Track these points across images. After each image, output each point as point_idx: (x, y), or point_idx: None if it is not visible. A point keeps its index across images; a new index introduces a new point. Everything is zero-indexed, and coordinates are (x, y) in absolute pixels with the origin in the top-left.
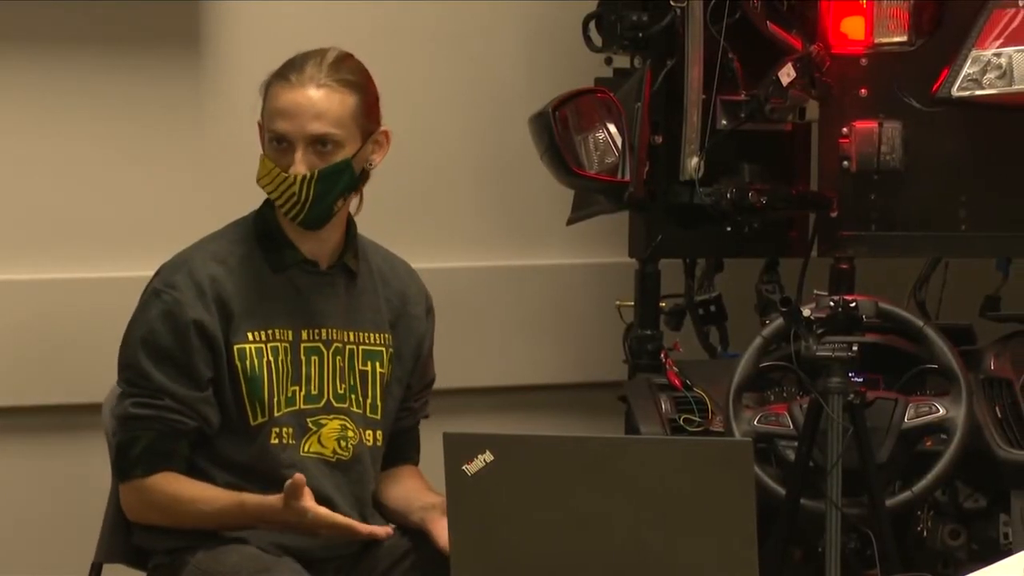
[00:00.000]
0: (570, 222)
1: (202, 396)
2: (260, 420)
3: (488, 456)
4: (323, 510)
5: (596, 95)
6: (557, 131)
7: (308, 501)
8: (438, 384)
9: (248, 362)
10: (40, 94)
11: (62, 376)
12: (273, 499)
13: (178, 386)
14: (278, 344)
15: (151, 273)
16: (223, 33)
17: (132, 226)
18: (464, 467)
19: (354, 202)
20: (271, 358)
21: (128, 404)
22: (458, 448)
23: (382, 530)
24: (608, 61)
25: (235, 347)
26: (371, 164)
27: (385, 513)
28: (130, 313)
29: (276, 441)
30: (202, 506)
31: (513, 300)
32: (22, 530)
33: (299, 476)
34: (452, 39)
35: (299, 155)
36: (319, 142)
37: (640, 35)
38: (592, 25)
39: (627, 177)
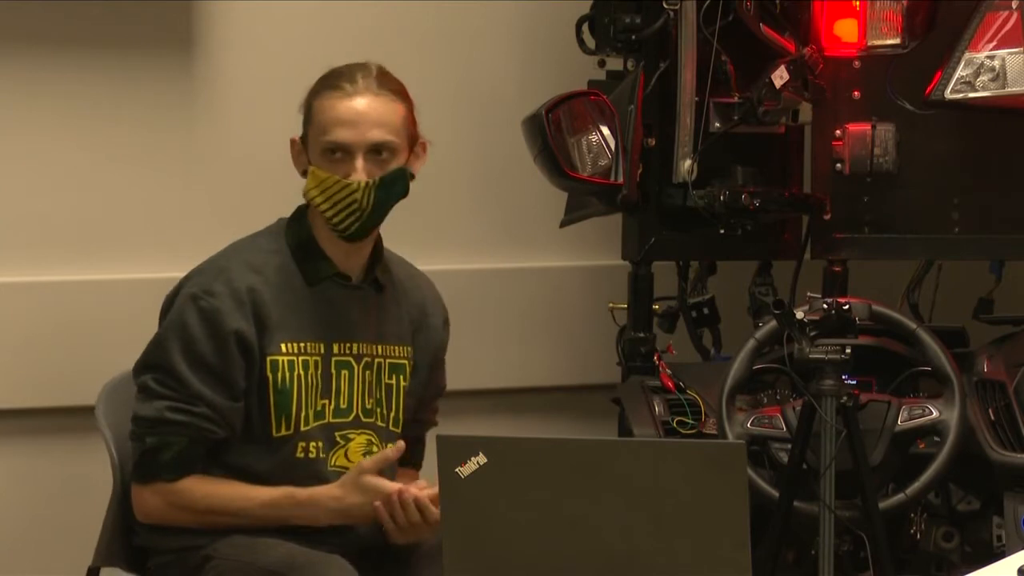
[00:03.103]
0: (563, 224)
1: (236, 407)
2: (284, 433)
3: (481, 458)
4: (395, 485)
5: (589, 97)
6: (550, 133)
7: (381, 480)
8: None
9: (280, 374)
10: (32, 96)
11: (56, 379)
12: (329, 488)
13: (215, 395)
14: (309, 357)
15: (145, 275)
16: (216, 35)
17: (125, 229)
18: (457, 469)
19: None
20: (302, 371)
21: (163, 407)
22: (451, 451)
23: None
24: (601, 63)
25: (268, 358)
26: (412, 175)
27: None
28: (125, 315)
29: (302, 455)
30: (243, 503)
31: (506, 302)
32: (19, 532)
33: (397, 449)
34: (445, 41)
35: (360, 163)
36: (377, 150)
37: (633, 37)
38: (585, 27)
39: (620, 179)
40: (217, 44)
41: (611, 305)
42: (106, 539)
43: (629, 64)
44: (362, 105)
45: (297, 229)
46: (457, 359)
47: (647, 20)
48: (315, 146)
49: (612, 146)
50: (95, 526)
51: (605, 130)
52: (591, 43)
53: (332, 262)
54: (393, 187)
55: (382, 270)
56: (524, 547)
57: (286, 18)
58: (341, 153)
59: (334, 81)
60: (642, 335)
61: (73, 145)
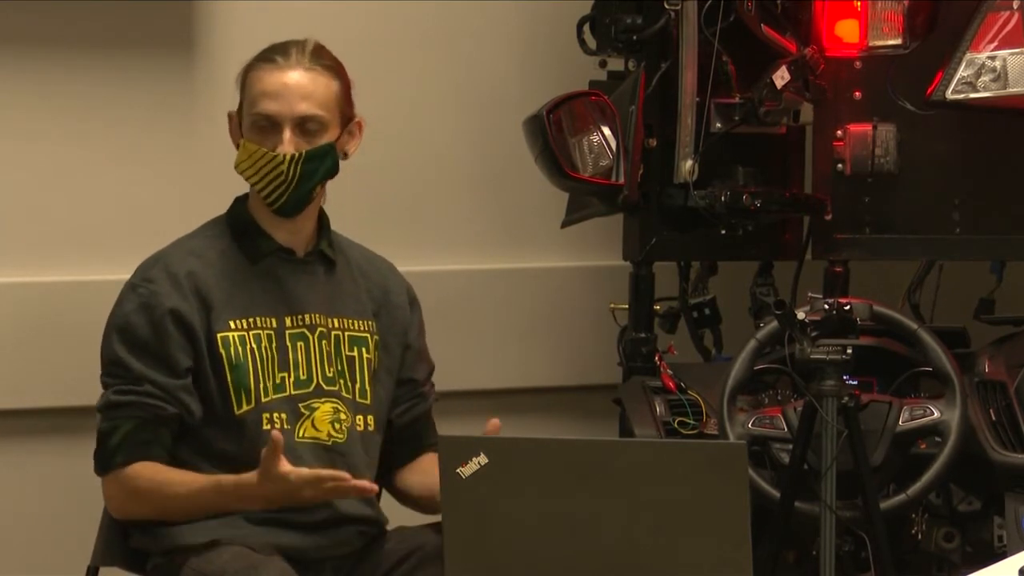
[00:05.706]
0: (564, 225)
1: (181, 384)
2: (246, 408)
3: (482, 459)
4: (304, 470)
5: (590, 98)
6: (551, 134)
7: (286, 466)
8: None
9: (232, 350)
10: (31, 96)
11: (56, 379)
12: (250, 475)
13: (156, 373)
14: (261, 331)
15: None
16: (216, 34)
17: (125, 229)
18: (458, 470)
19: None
20: (254, 345)
21: (109, 393)
22: (453, 451)
23: (370, 486)
24: (602, 64)
25: (218, 335)
26: (346, 154)
27: (410, 502)
28: None
29: (268, 427)
30: (179, 489)
31: (507, 303)
32: (19, 532)
33: (275, 435)
34: (446, 42)
35: (287, 135)
36: (305, 123)
37: (634, 38)
38: (586, 27)
39: (621, 180)
40: (217, 44)
41: (612, 305)
42: (103, 539)
43: (630, 64)
44: (292, 78)
45: (237, 211)
46: (458, 359)
47: (648, 20)
48: (246, 119)
49: (613, 146)
50: (95, 526)
51: (606, 130)
52: (592, 43)
53: (273, 238)
54: (320, 162)
55: (328, 245)
56: (525, 547)
57: (286, 18)
58: (270, 125)
59: (268, 54)
60: (643, 335)
61: (73, 145)
